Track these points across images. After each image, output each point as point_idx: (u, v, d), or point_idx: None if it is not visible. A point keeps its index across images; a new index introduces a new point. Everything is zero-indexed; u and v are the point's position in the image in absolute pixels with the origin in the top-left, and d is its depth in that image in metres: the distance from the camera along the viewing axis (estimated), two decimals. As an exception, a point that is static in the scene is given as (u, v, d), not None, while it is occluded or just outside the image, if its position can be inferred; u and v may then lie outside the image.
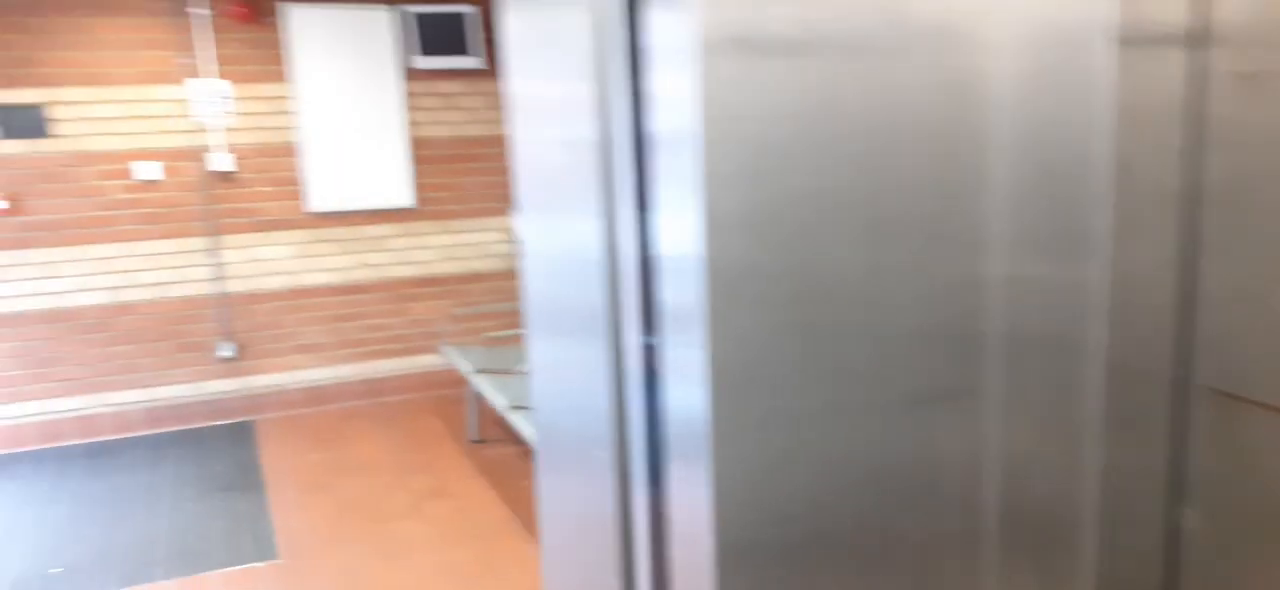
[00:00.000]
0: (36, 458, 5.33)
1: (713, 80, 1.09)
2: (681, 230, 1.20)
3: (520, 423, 4.38)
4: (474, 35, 5.84)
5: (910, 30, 1.15)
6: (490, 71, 6.00)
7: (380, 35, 5.76)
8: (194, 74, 5.45)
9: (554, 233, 1.70)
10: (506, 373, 4.98)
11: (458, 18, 5.78)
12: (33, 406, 5.44)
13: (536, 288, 1.85)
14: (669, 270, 1.27)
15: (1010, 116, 1.24)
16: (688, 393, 1.28)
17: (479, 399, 5.38)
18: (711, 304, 1.18)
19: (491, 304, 6.30)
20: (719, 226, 1.15)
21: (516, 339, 6.17)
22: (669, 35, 1.14)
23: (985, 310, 1.32)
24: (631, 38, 1.27)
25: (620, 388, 1.55)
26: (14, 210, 5.20)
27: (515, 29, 1.68)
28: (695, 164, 1.12)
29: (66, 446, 5.50)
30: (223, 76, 5.50)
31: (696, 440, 1.27)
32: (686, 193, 1.16)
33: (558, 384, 1.84)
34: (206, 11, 5.42)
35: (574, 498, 1.88)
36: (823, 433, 1.28)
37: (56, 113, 5.22)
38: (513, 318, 6.38)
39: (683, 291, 1.23)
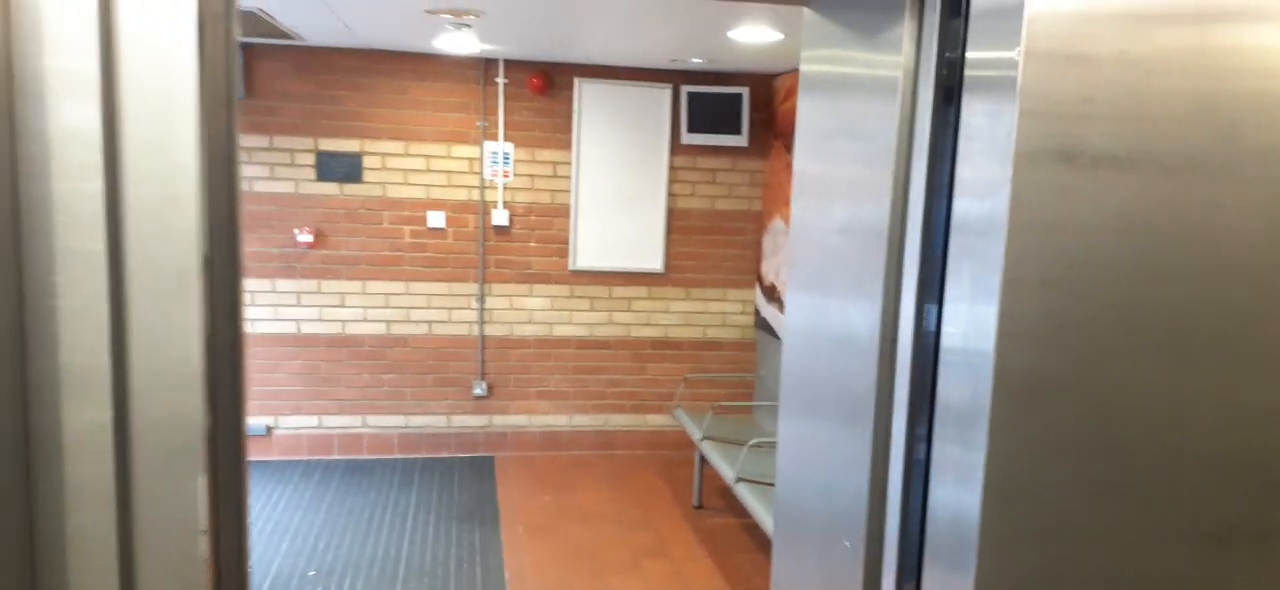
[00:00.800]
0: (306, 467, 5.89)
1: (1025, 185, 1.08)
2: (973, 328, 1.19)
3: (746, 496, 4.37)
4: (742, 115, 6.03)
5: (1241, 150, 1.10)
6: (750, 150, 6.15)
7: (657, 111, 6.07)
8: (489, 136, 5.95)
9: (824, 312, 1.70)
10: (736, 443, 4.99)
11: (733, 98, 6.00)
12: (310, 420, 6.03)
13: (796, 364, 1.85)
14: (953, 366, 1.26)
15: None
16: (959, 494, 1.25)
17: (704, 465, 5.41)
18: (996, 407, 1.16)
19: (724, 373, 6.36)
20: (1014, 330, 1.13)
21: (747, 411, 6.18)
22: (985, 136, 1.15)
23: (1301, 449, 1.21)
24: (938, 133, 1.29)
25: (882, 477, 1.53)
26: (317, 244, 5.84)
27: (811, 113, 1.72)
28: (997, 265, 1.12)
29: (331, 460, 6.03)
30: (508, 139, 5.97)
31: (963, 545, 1.25)
32: (984, 291, 1.16)
33: (808, 464, 1.84)
34: (504, 81, 5.91)
35: (813, 583, 1.86)
36: (1102, 558, 1.22)
37: (369, 161, 5.85)
38: (745, 389, 6.41)
39: (967, 390, 1.21)
